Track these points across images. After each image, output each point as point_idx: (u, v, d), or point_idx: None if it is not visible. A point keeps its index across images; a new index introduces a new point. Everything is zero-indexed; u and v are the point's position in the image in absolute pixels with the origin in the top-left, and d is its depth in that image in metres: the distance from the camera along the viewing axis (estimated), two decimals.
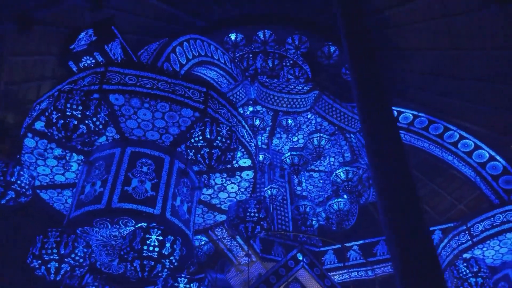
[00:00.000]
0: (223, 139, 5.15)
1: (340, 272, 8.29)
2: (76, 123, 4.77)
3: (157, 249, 4.37)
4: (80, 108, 4.81)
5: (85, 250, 4.89)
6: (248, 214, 5.37)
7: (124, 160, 5.39)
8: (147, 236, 4.40)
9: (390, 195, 4.02)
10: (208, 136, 5.10)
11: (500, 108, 12.05)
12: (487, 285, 6.17)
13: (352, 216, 8.19)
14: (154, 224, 4.68)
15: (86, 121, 4.86)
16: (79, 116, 4.79)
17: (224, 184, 6.48)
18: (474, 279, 5.91)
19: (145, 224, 4.69)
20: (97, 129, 4.97)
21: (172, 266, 4.59)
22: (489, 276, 6.02)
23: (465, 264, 5.88)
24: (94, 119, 4.93)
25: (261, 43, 12.15)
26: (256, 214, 5.39)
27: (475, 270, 5.85)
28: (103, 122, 5.03)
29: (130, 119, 5.55)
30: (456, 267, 5.97)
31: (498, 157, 8.01)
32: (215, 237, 8.06)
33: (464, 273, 5.83)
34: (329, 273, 7.95)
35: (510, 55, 11.04)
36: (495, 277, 6.35)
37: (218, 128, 5.20)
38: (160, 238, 4.44)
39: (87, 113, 4.84)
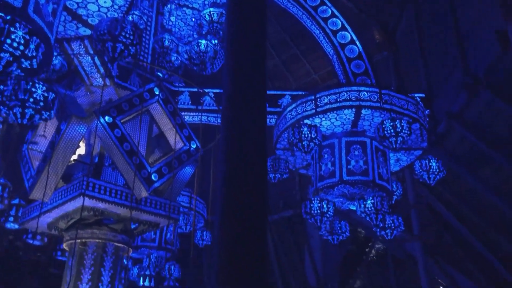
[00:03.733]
0: None
1: (192, 114, 8.88)
2: None
3: (21, 47, 4.19)
4: None
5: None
6: (123, 33, 5.29)
7: None
8: (12, 29, 4.14)
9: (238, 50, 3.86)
10: None
11: None
12: (315, 150, 7.43)
13: (220, 61, 8.48)
14: (14, 17, 4.37)
15: None
16: None
17: None
18: (307, 143, 7.05)
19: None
20: None
21: (30, 68, 4.49)
22: (320, 143, 7.26)
23: (306, 129, 6.94)
24: None
25: None
26: (131, 37, 5.35)
27: (312, 136, 6.96)
28: None
29: None
30: (297, 129, 7.02)
31: (357, 42, 8.97)
32: (70, 51, 7.77)
33: (303, 135, 6.92)
34: (181, 112, 8.50)
35: None
36: (323, 143, 7.61)
37: None
38: (27, 37, 4.23)
39: None
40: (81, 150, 8.25)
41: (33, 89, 4.86)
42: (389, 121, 6.84)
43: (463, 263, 14.64)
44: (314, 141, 7.10)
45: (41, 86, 4.93)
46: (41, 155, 8.38)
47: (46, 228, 8.20)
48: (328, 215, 7.61)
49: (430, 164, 7.38)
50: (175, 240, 11.35)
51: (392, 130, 6.73)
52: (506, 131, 11.01)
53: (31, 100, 4.81)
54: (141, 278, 11.39)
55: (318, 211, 7.55)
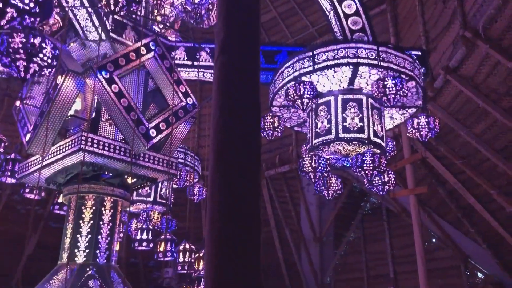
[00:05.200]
0: None
1: (188, 70, 8.94)
2: None
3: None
4: None
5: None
6: None
7: None
8: None
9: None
10: None
11: None
12: (310, 107, 7.58)
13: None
14: None
15: None
16: None
17: None
18: (307, 100, 7.20)
19: None
20: None
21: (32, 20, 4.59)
22: (316, 101, 7.41)
23: (304, 86, 7.07)
24: None
25: None
26: None
27: (310, 93, 7.10)
28: None
29: None
30: (295, 86, 7.15)
31: None
32: (65, 3, 7.76)
33: (300, 92, 7.05)
34: (177, 68, 8.56)
35: None
36: (319, 101, 7.76)
37: None
38: None
39: None
40: (77, 105, 8.36)
41: (43, 45, 4.89)
42: (386, 78, 6.97)
43: (455, 216, 15.17)
44: (311, 98, 7.23)
45: (50, 42, 4.97)
46: (36, 110, 8.50)
47: (45, 183, 8.43)
48: (323, 172, 7.86)
49: (424, 121, 7.57)
50: (170, 195, 11.67)
51: (388, 88, 6.87)
52: (502, 86, 11.18)
53: (40, 56, 4.85)
54: (138, 232, 11.79)
55: (313, 168, 7.79)
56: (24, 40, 4.82)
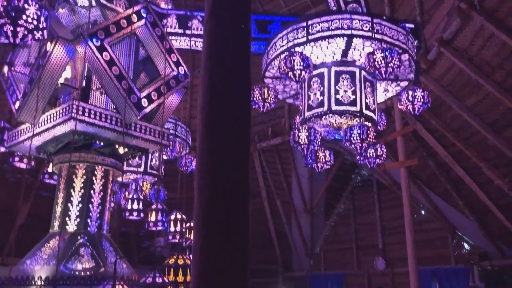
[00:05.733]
0: None
1: (180, 38, 8.84)
2: None
3: None
4: None
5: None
6: None
7: None
8: None
9: None
10: None
11: None
12: (304, 78, 7.56)
13: None
14: None
15: None
16: None
17: None
18: (299, 72, 7.16)
19: None
20: None
21: None
22: (310, 72, 7.38)
23: (298, 58, 7.03)
24: None
25: None
26: None
27: (304, 65, 7.07)
28: None
29: None
30: (289, 57, 7.10)
31: None
32: None
33: (294, 63, 7.02)
34: (169, 37, 8.47)
35: None
36: (313, 73, 7.72)
37: None
38: None
39: None
40: (67, 73, 8.29)
41: (26, 6, 4.78)
42: (380, 51, 6.94)
43: (445, 189, 15.40)
44: (305, 70, 7.20)
45: (34, 3, 4.85)
46: (25, 77, 8.41)
47: (35, 152, 8.41)
48: (315, 144, 7.90)
49: (416, 95, 7.59)
50: (160, 165, 11.71)
51: (382, 61, 6.85)
52: (495, 59, 11.20)
53: (23, 18, 4.73)
54: (129, 201, 11.86)
55: (305, 140, 7.82)
56: (5, 3, 4.70)
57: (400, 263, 16.03)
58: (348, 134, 7.34)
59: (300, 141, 7.87)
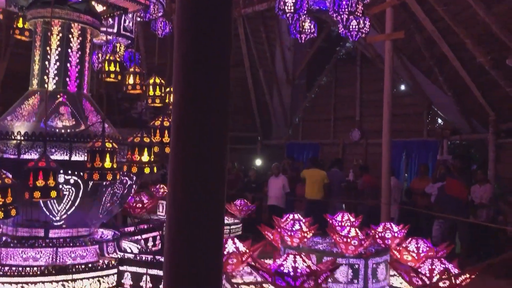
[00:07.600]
0: None
1: None
2: None
3: None
4: None
5: None
6: None
7: None
8: None
9: None
10: None
11: None
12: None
13: None
14: None
15: None
16: None
17: None
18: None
19: None
20: None
21: None
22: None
23: None
24: None
25: None
26: None
27: None
28: None
29: None
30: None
31: None
32: None
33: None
34: None
35: None
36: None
37: None
38: None
39: None
40: None
41: None
42: None
43: (428, 65, 15.46)
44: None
45: None
46: None
47: (4, 4, 7.94)
48: (301, 12, 7.59)
49: None
50: (134, 27, 11.29)
51: None
52: None
53: None
54: (106, 63, 11.60)
55: (291, 8, 7.50)
56: None
57: (375, 134, 16.66)
58: (337, 5, 7.05)
59: (286, 8, 7.55)
